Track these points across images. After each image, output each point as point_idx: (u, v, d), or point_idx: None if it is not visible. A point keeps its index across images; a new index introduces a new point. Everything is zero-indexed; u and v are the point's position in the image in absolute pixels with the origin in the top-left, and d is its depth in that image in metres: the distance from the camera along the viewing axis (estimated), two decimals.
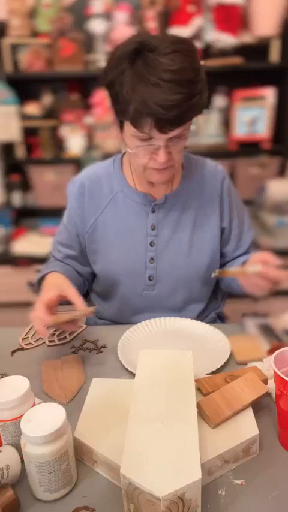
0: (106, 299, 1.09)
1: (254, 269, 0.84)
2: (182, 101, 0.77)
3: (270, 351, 0.84)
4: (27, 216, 2.42)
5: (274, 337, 0.91)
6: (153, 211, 1.00)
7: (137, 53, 0.78)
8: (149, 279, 1.02)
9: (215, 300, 1.12)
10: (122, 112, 0.82)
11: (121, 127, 0.88)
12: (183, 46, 0.80)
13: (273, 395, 0.72)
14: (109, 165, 1.05)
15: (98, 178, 1.03)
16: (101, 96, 2.13)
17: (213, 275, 0.87)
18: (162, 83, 0.76)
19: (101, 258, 1.04)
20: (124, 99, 0.80)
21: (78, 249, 1.06)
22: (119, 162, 1.04)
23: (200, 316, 1.06)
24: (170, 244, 1.00)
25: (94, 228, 1.02)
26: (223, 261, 1.07)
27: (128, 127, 0.84)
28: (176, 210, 1.00)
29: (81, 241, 1.05)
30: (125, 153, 1.03)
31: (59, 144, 2.23)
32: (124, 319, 1.06)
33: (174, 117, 0.78)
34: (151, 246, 1.00)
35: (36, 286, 0.99)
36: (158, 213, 1.00)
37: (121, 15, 2.06)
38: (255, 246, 1.10)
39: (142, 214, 1.00)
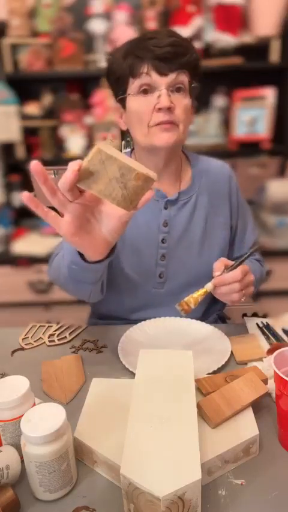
0: (114, 294, 1.05)
1: (209, 287, 0.83)
2: (175, 43, 0.85)
3: (270, 351, 0.84)
4: (27, 216, 2.41)
5: (274, 337, 0.91)
6: (165, 208, 0.99)
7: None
8: (160, 276, 1.01)
9: (217, 301, 1.10)
10: (121, 76, 0.89)
11: (124, 107, 0.93)
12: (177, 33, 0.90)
13: (273, 395, 0.72)
14: None
15: None
16: (101, 96, 2.13)
17: (183, 315, 0.84)
18: (157, 35, 0.86)
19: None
20: (121, 58, 0.88)
21: None
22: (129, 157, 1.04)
23: (202, 317, 1.06)
24: (182, 242, 1.00)
25: None
26: None
27: (131, 90, 0.89)
28: (188, 207, 1.00)
29: None
30: (133, 149, 1.03)
31: (59, 144, 2.23)
32: (129, 315, 1.05)
33: (169, 54, 0.84)
34: (163, 242, 1.00)
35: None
36: (171, 210, 1.00)
37: (121, 15, 2.06)
38: (258, 247, 1.09)
39: (154, 209, 0.99)
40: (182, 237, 1.00)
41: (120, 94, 0.93)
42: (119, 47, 0.91)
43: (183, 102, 0.88)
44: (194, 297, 0.83)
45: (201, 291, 0.83)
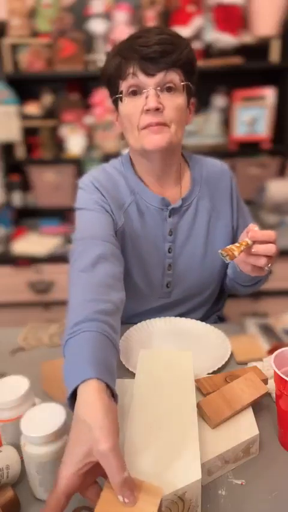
0: None
1: (250, 241, 0.75)
2: (163, 41, 0.81)
3: (270, 351, 0.84)
4: (27, 216, 2.42)
5: (274, 337, 0.91)
6: (169, 216, 0.95)
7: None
8: (167, 286, 0.99)
9: (218, 302, 1.11)
10: (112, 75, 0.87)
11: (117, 109, 0.91)
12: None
13: (273, 395, 0.72)
14: (119, 165, 0.98)
15: (111, 177, 0.96)
16: (101, 96, 2.13)
17: (226, 260, 0.73)
18: (146, 34, 0.83)
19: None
20: (111, 59, 0.86)
21: (112, 244, 0.86)
22: (129, 161, 0.97)
23: (202, 318, 1.05)
24: (185, 249, 0.97)
25: (122, 230, 0.94)
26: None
27: (120, 92, 0.86)
28: (189, 213, 0.97)
29: (115, 229, 0.92)
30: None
31: (59, 144, 2.23)
32: (132, 319, 1.03)
33: (156, 53, 0.81)
34: (169, 252, 0.97)
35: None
36: (174, 218, 0.96)
37: (121, 15, 2.06)
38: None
39: (160, 219, 0.95)
40: (185, 244, 0.97)
41: (112, 96, 0.90)
42: (113, 47, 0.88)
43: (174, 101, 0.84)
44: (237, 246, 0.75)
45: (243, 242, 0.75)
